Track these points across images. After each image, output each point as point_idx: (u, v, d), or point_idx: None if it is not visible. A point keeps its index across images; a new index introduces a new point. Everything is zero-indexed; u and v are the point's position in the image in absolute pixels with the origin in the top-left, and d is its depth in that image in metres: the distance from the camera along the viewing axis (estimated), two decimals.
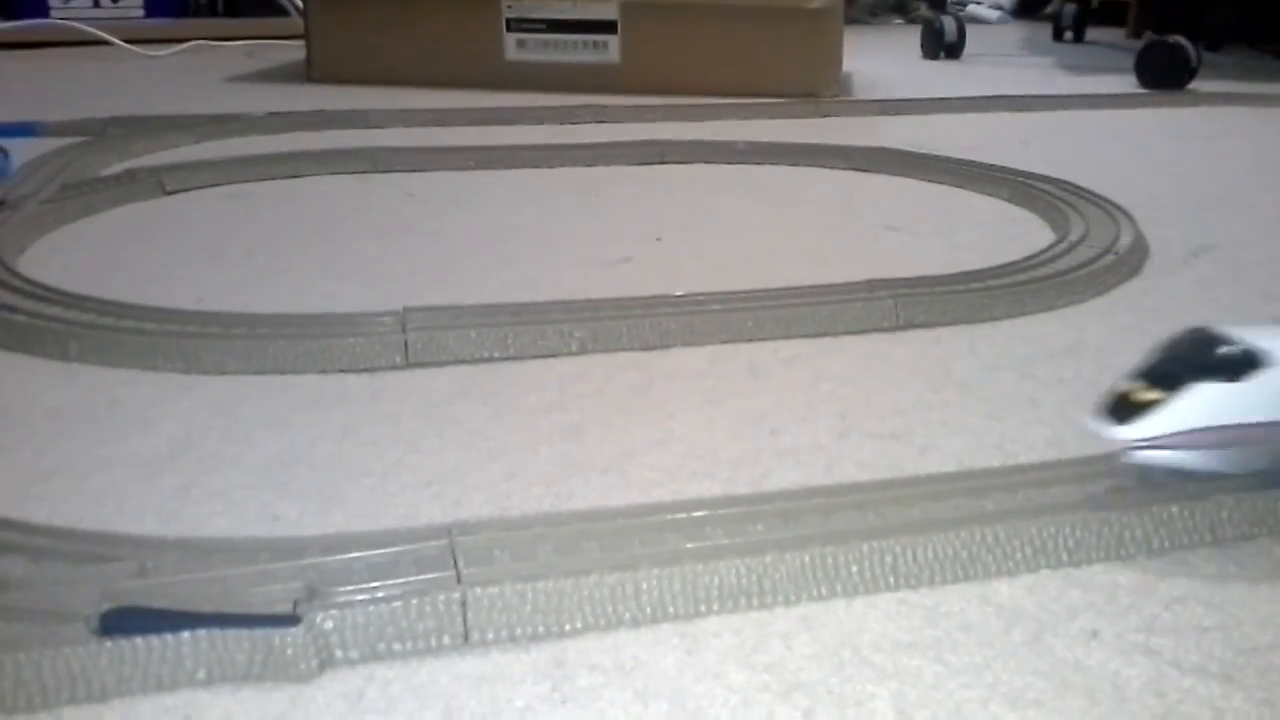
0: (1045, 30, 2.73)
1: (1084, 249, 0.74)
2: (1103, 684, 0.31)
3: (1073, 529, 0.38)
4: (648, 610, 0.33)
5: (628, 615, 0.33)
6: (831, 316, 0.60)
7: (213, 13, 2.14)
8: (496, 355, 0.54)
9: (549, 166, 1.01)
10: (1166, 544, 0.39)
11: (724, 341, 0.57)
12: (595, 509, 0.38)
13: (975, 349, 0.57)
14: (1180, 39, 1.85)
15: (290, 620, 0.30)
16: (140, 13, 2.08)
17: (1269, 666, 0.32)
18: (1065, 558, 0.37)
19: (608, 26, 1.48)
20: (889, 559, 0.36)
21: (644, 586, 0.33)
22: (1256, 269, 0.74)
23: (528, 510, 0.39)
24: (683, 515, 0.37)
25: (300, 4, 1.67)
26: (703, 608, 0.34)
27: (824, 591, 0.35)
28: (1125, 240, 0.75)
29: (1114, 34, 2.62)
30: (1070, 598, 0.35)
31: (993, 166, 0.99)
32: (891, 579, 0.35)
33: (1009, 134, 1.28)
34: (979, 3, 3.08)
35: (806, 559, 0.35)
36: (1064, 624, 0.34)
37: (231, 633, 0.30)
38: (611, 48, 1.48)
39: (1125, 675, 0.31)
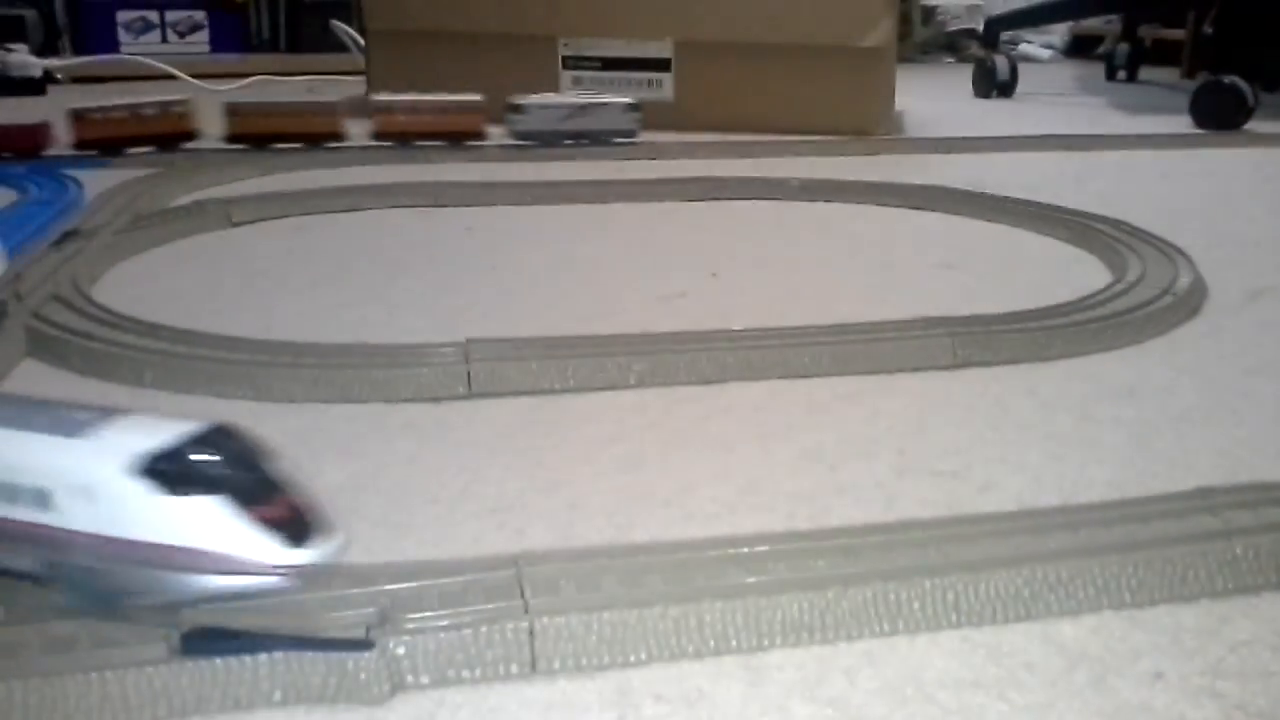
0: (1098, 69, 2.72)
1: (1142, 289, 0.73)
2: None
3: (1136, 569, 0.38)
4: (711, 643, 0.34)
5: (691, 647, 0.34)
6: (888, 353, 0.60)
7: (275, 49, 2.20)
8: (557, 387, 0.55)
9: (605, 202, 1.03)
10: (1231, 585, 0.38)
11: (781, 377, 0.57)
12: (657, 541, 0.39)
13: (1033, 388, 0.57)
14: (1236, 79, 1.83)
15: (364, 645, 0.31)
16: (206, 48, 2.14)
17: None
18: (1128, 598, 0.37)
19: (662, 64, 1.49)
20: (951, 596, 0.36)
21: (707, 619, 0.34)
22: None
23: (590, 541, 0.40)
24: (745, 549, 0.37)
25: (361, 40, 1.71)
26: (765, 641, 0.34)
27: (886, 628, 0.35)
28: (1184, 281, 0.75)
29: (1168, 73, 2.60)
30: (1134, 639, 0.35)
31: (1048, 206, 0.99)
32: (954, 616, 0.35)
33: (1063, 173, 1.28)
34: (1031, 41, 3.08)
35: (869, 594, 0.35)
36: (1128, 665, 0.34)
37: (307, 655, 0.31)
38: (666, 85, 1.50)
39: (1191, 718, 0.31)
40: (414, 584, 0.35)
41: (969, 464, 0.48)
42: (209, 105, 1.28)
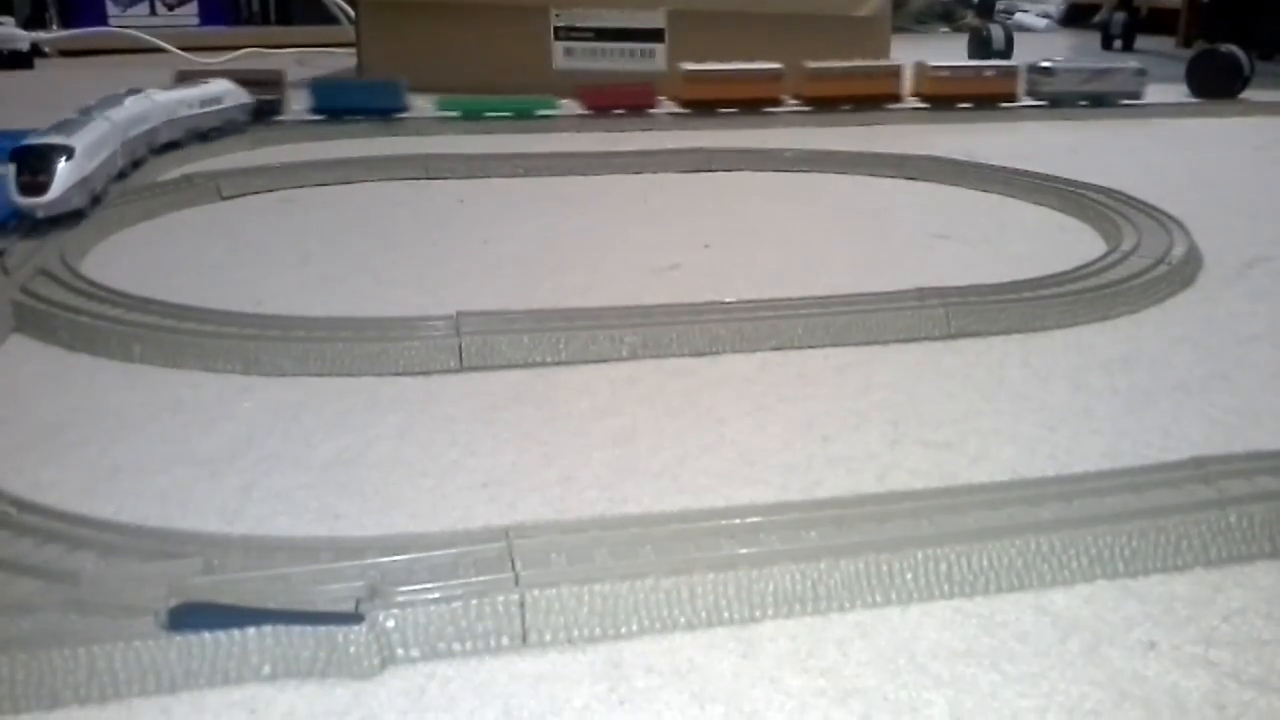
0: (1094, 38, 2.71)
1: (1137, 259, 0.73)
2: (1161, 695, 0.31)
3: (1129, 539, 0.38)
4: (703, 614, 0.34)
5: (683, 619, 0.33)
6: (882, 324, 0.60)
7: (265, 21, 2.18)
8: (549, 360, 0.55)
9: (597, 174, 1.02)
10: (1225, 554, 0.38)
11: (774, 348, 0.57)
12: (649, 513, 0.39)
13: (1028, 358, 0.57)
14: (1233, 47, 1.82)
15: (354, 618, 0.31)
16: (195, 21, 2.12)
17: None
18: (1121, 568, 0.37)
19: (655, 35, 1.48)
20: (944, 567, 0.36)
21: (699, 591, 0.34)
22: None
23: (582, 513, 0.40)
24: (737, 521, 0.37)
25: (351, 12, 1.69)
26: (758, 613, 0.34)
27: (879, 599, 0.35)
28: (1179, 251, 0.75)
29: (1163, 42, 2.59)
30: (1127, 608, 0.35)
31: (1043, 176, 0.99)
32: (946, 587, 0.35)
33: (1059, 143, 1.27)
34: (1027, 10, 3.06)
35: (861, 566, 0.35)
36: (1121, 635, 0.34)
37: (296, 629, 0.31)
38: (659, 56, 1.49)
39: (1184, 687, 0.31)
40: (404, 557, 0.34)
41: (962, 435, 0.47)
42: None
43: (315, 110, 1.19)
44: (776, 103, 1.35)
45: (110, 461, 0.43)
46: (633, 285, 0.68)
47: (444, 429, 0.47)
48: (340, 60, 1.69)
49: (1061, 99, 1.40)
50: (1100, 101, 1.42)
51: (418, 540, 0.36)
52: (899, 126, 1.34)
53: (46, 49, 1.83)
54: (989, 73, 1.40)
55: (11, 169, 0.68)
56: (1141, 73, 1.47)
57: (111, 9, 2.05)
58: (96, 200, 0.77)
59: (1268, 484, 0.41)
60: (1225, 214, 0.89)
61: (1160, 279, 0.69)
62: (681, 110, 1.32)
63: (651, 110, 1.30)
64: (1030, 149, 1.18)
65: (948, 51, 2.22)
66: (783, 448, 0.46)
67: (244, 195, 0.89)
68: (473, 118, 1.22)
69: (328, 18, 1.95)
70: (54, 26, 2.00)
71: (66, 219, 0.72)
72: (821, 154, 1.08)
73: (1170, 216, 0.83)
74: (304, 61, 1.76)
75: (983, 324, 0.61)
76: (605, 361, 0.54)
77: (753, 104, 1.32)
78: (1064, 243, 0.79)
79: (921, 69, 1.39)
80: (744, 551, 0.35)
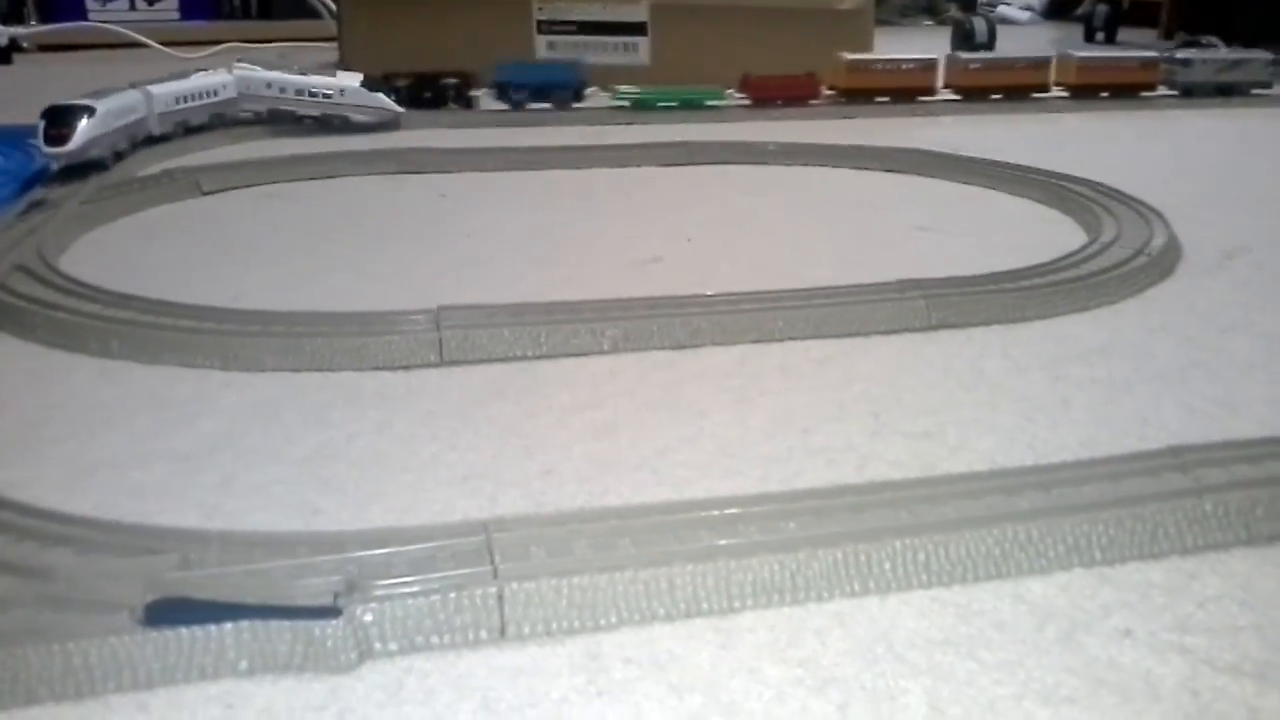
0: (1076, 31, 2.71)
1: (1117, 250, 0.73)
2: (1136, 682, 0.31)
3: (1106, 527, 0.38)
4: (682, 605, 0.34)
5: (662, 610, 0.33)
6: (863, 316, 0.60)
7: (246, 16, 2.17)
8: (530, 354, 0.54)
9: (580, 167, 1.02)
10: (1200, 542, 0.39)
11: (755, 341, 0.57)
12: (629, 506, 0.39)
13: (1007, 349, 0.57)
14: (1213, 39, 1.83)
15: (331, 612, 0.31)
16: (176, 15, 2.10)
17: None
18: (1098, 556, 0.37)
19: (638, 28, 1.48)
20: (922, 556, 0.36)
21: (678, 582, 0.34)
22: None
23: (563, 506, 0.40)
24: (716, 512, 0.37)
25: (333, 6, 1.68)
26: (736, 603, 0.34)
27: (857, 588, 0.35)
28: (1158, 242, 0.75)
29: (1146, 35, 2.59)
30: (1103, 596, 0.35)
31: (1024, 168, 0.99)
32: (924, 576, 0.35)
33: (1041, 135, 1.27)
34: (1009, 3, 3.07)
35: (839, 556, 0.35)
36: (1097, 622, 0.34)
37: (273, 624, 0.31)
38: (641, 49, 1.49)
39: (1159, 674, 0.31)
40: (383, 551, 0.34)
41: (942, 425, 0.48)
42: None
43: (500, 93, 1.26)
44: (930, 92, 1.40)
45: (88, 458, 0.43)
46: (614, 279, 0.68)
47: (424, 423, 0.46)
48: (322, 55, 1.69)
49: (1196, 89, 1.45)
50: (1232, 92, 1.46)
51: (396, 534, 0.36)
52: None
53: (25, 44, 1.82)
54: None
55: (41, 124, 0.83)
56: (1275, 63, 1.50)
57: (91, 4, 2.03)
58: (120, 156, 0.91)
59: (1243, 472, 0.42)
60: (1206, 205, 0.90)
61: (1139, 270, 0.70)
62: (841, 100, 1.36)
63: (814, 101, 1.35)
64: (1016, 141, 1.18)
65: (931, 45, 2.22)
66: (763, 440, 0.46)
67: (225, 190, 0.89)
68: (644, 107, 1.27)
69: (309, 12, 1.94)
70: (32, 21, 1.98)
71: (87, 169, 0.85)
72: (805, 147, 1.08)
73: (1151, 208, 0.83)
74: (285, 56, 1.75)
75: (963, 315, 0.61)
76: (586, 355, 0.54)
77: (908, 93, 1.37)
78: (1045, 234, 0.79)
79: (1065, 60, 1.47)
80: (723, 543, 0.35)
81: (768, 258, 0.73)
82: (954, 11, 2.58)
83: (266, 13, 2.15)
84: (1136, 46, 2.28)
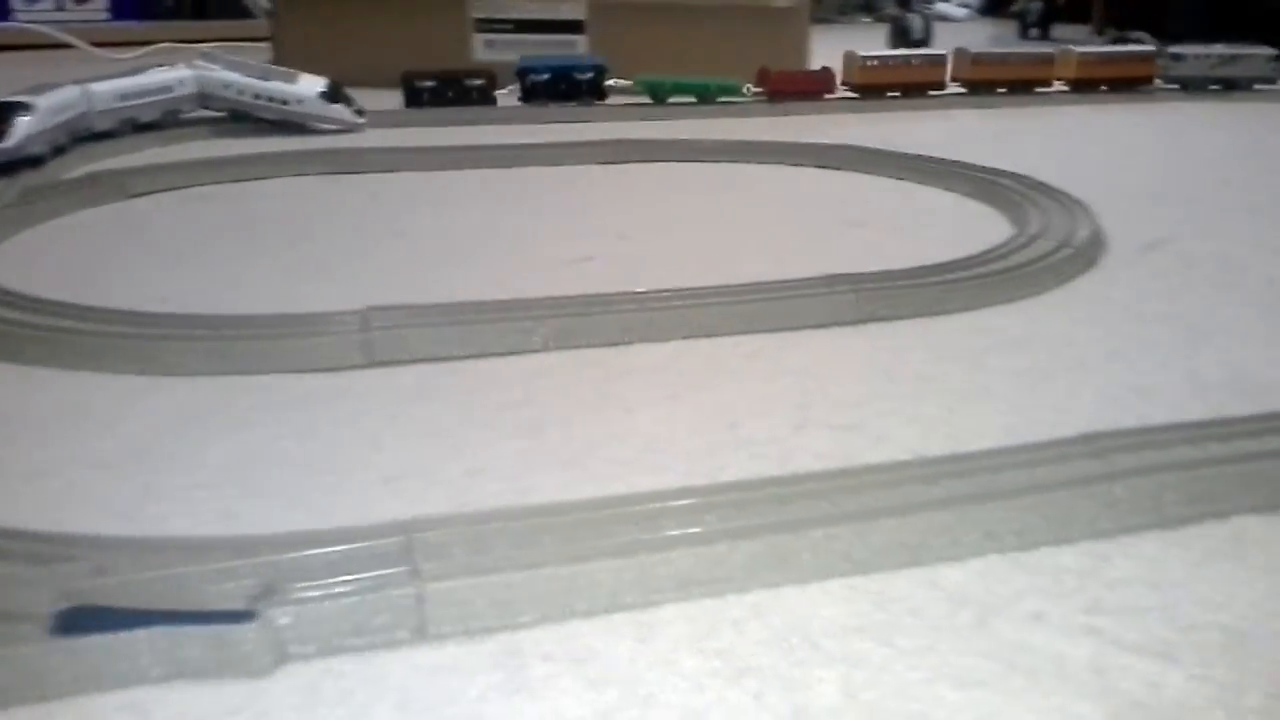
0: (1012, 27, 2.76)
1: (1041, 243, 0.75)
2: (1045, 664, 0.32)
3: (1020, 513, 0.39)
4: (602, 601, 0.34)
5: (582, 606, 0.34)
6: (793, 311, 0.61)
7: (179, 15, 2.13)
8: (459, 353, 0.54)
9: (515, 166, 1.02)
10: (1112, 526, 0.39)
11: (686, 337, 0.57)
12: (552, 503, 0.39)
13: (933, 341, 0.58)
14: (1142, 35, 1.87)
15: (245, 616, 0.31)
16: (106, 16, 2.07)
17: (1206, 644, 0.33)
18: (1013, 542, 0.38)
19: (576, 26, 1.48)
20: (840, 546, 0.36)
21: (598, 578, 0.34)
22: (1209, 261, 0.75)
23: (487, 506, 0.40)
24: (638, 508, 0.37)
25: (267, 6, 1.66)
26: (656, 597, 0.34)
27: (776, 579, 0.35)
28: (1082, 234, 0.76)
29: (1079, 30, 2.64)
30: (1017, 581, 0.36)
31: (955, 162, 1.00)
32: (843, 565, 0.36)
33: (974, 130, 1.29)
34: (947, 0, 3.11)
35: (758, 547, 0.35)
36: (1010, 607, 0.34)
37: (186, 630, 0.30)
38: (579, 47, 1.49)
39: (1068, 655, 0.32)
40: (301, 553, 0.34)
41: (866, 417, 0.48)
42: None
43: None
44: (940, 86, 1.45)
45: (2, 467, 0.42)
46: (547, 277, 0.68)
47: (349, 425, 0.46)
48: (256, 55, 1.66)
49: (1192, 83, 1.49)
50: (1232, 86, 1.50)
51: (315, 536, 0.35)
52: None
53: None
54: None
55: None
56: (1276, 58, 1.55)
57: (17, 2, 1.99)
58: (60, 151, 0.93)
59: (1154, 457, 0.43)
60: (1132, 197, 0.92)
61: (1063, 261, 0.71)
62: (854, 96, 1.41)
63: (829, 95, 1.39)
64: (953, 137, 1.20)
65: (868, 42, 2.24)
66: (690, 434, 0.46)
67: (152, 193, 0.87)
68: (658, 94, 1.31)
69: (243, 12, 1.92)
70: None
71: (26, 164, 0.86)
72: (743, 144, 1.09)
73: (1077, 200, 0.85)
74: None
75: (891, 308, 0.62)
76: (516, 354, 0.54)
77: (919, 88, 1.43)
78: (974, 228, 0.81)
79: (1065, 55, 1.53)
80: (644, 537, 0.35)
81: (700, 254, 0.74)
82: (891, 8, 2.61)
83: (201, 12, 2.12)
84: (1072, 41, 2.32)
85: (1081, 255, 0.73)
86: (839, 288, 0.62)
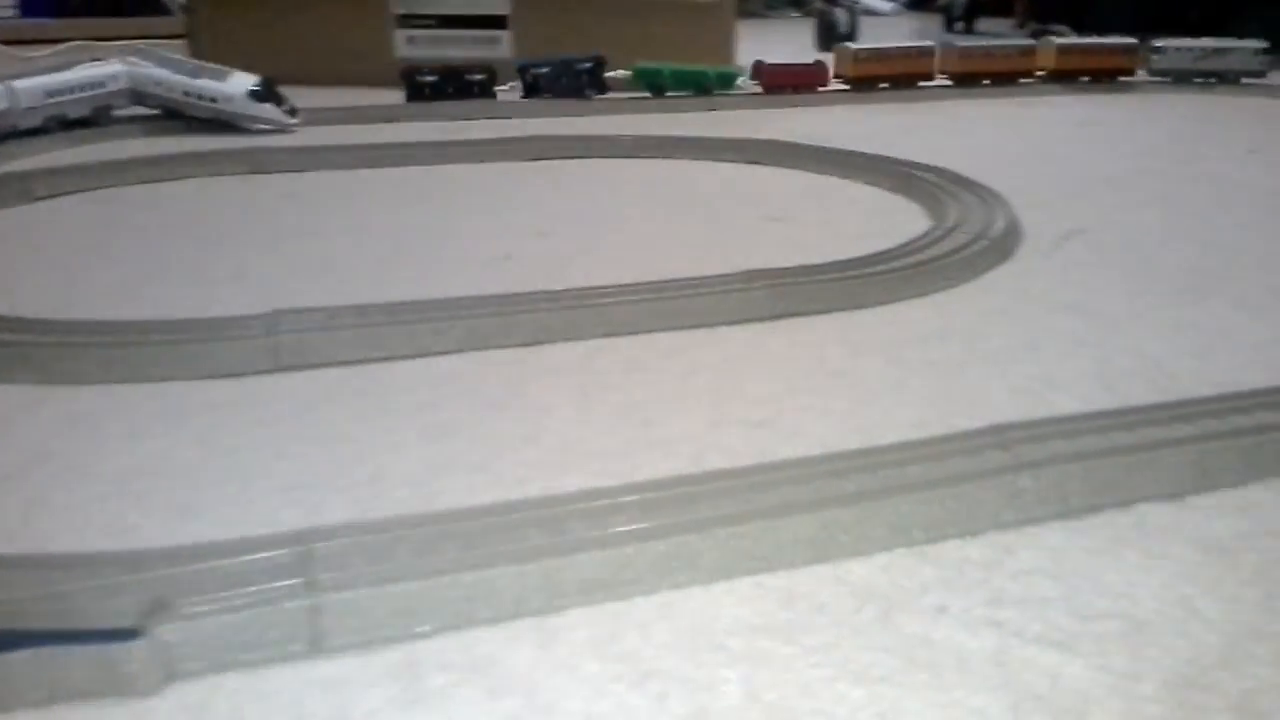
0: (938, 21, 2.79)
1: (958, 235, 0.75)
2: (947, 658, 0.32)
3: (927, 507, 0.39)
4: (505, 608, 0.33)
5: (484, 614, 0.33)
6: (710, 308, 0.60)
7: (92, 12, 2.08)
8: (371, 356, 0.53)
9: (435, 164, 1.00)
10: (1017, 517, 0.40)
11: (603, 335, 0.57)
12: (456, 509, 0.38)
13: (848, 336, 0.58)
14: (1064, 28, 1.90)
15: (130, 634, 0.30)
16: (13, 12, 2.01)
17: (1106, 633, 0.33)
18: (919, 535, 0.38)
19: (499, 21, 1.47)
20: (746, 544, 0.36)
21: (500, 584, 0.33)
22: (1122, 250, 0.76)
23: (391, 512, 0.39)
24: (544, 511, 0.37)
25: (184, 2, 1.62)
26: (561, 602, 0.34)
27: (683, 579, 0.35)
28: (998, 226, 0.77)
29: (1004, 24, 2.68)
30: (922, 574, 0.36)
31: (877, 157, 1.01)
32: (749, 564, 0.36)
33: (897, 124, 1.31)
34: None
35: (664, 548, 0.35)
36: (914, 600, 0.35)
37: (69, 650, 0.29)
38: (504, 42, 1.47)
39: (970, 648, 0.32)
40: (194, 567, 0.33)
41: (779, 412, 0.48)
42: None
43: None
44: (929, 78, 1.50)
45: None
46: (464, 277, 0.67)
47: (251, 432, 0.45)
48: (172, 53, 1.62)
49: (1178, 76, 1.53)
50: (1220, 79, 1.54)
51: (211, 549, 0.34)
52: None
53: None
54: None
55: None
56: (1263, 51, 1.58)
57: None
58: None
59: (1060, 447, 0.43)
60: (1047, 189, 0.93)
61: (979, 254, 0.72)
62: (845, 88, 1.45)
63: (822, 88, 1.43)
64: (872, 130, 1.21)
65: (796, 37, 2.26)
66: (603, 434, 0.46)
67: (58, 196, 0.85)
68: (654, 84, 1.34)
69: (160, 9, 1.87)
70: None
71: None
72: (667, 140, 1.08)
73: (994, 193, 0.86)
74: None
75: (806, 303, 0.62)
76: (429, 356, 0.53)
77: (909, 79, 1.47)
78: (893, 221, 0.81)
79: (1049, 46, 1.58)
80: (549, 541, 0.35)
81: (620, 252, 0.73)
82: (819, 3, 2.63)
83: (116, 9, 2.07)
84: (1001, 35, 2.35)
85: (997, 247, 0.74)
86: (756, 284, 0.62)
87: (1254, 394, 0.49)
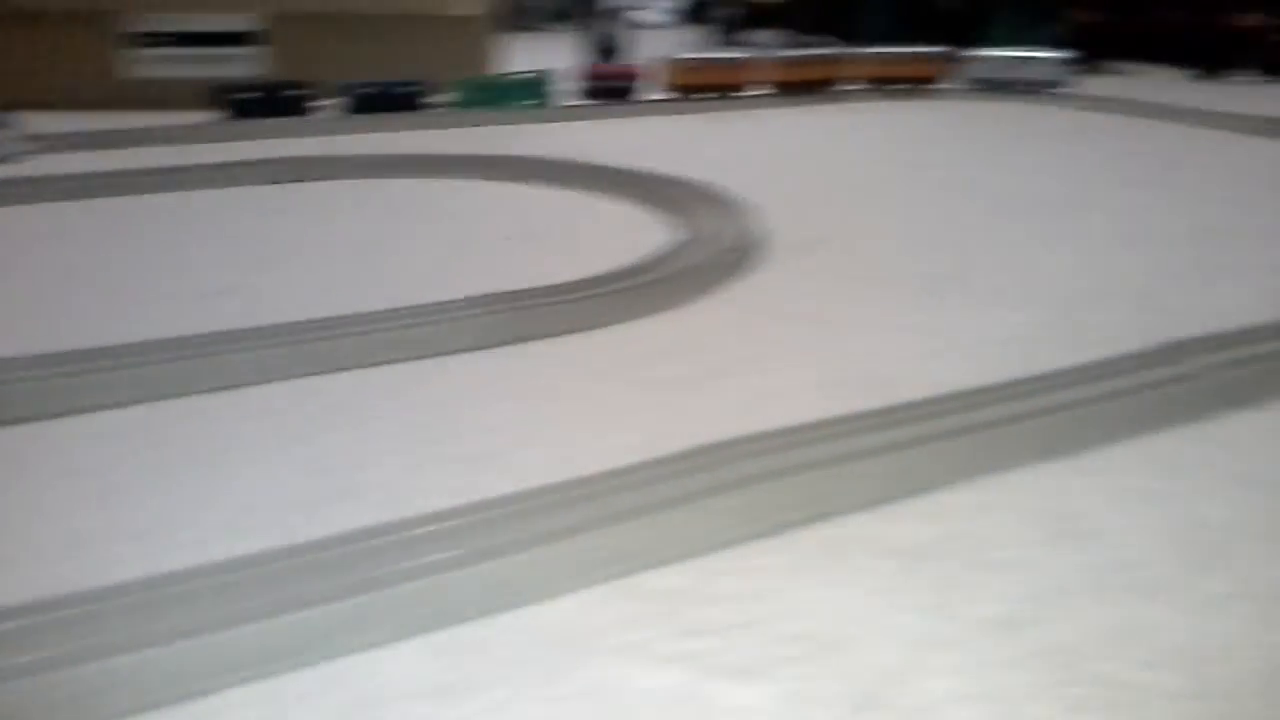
0: (711, 32, 2.85)
1: (704, 247, 0.76)
2: (634, 699, 0.31)
3: (625, 539, 0.38)
4: (158, 693, 0.30)
5: (125, 703, 0.30)
6: (440, 336, 0.58)
7: None
8: (23, 415, 0.48)
9: (165, 191, 0.94)
10: (722, 540, 0.39)
11: (315, 374, 0.54)
12: (90, 590, 0.34)
13: (582, 357, 0.57)
14: (830, 39, 1.96)
15: None
16: None
17: (796, 657, 0.33)
18: (617, 569, 0.37)
19: (249, 38, 1.40)
20: (424, 600, 0.34)
21: (123, 676, 0.30)
22: (860, 257, 0.78)
23: (11, 601, 0.35)
24: (177, 588, 0.33)
25: None
26: (211, 684, 0.31)
27: (352, 645, 0.32)
28: (744, 237, 0.78)
29: (774, 36, 2.77)
30: (619, 610, 0.35)
31: (628, 171, 1.01)
32: (427, 621, 0.34)
33: (658, 138, 1.32)
34: (648, 7, 3.18)
35: (335, 613, 0.32)
36: (605, 639, 0.33)
37: None
38: (254, 59, 1.41)
39: (657, 687, 0.31)
40: None
41: (497, 445, 0.46)
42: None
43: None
44: (750, 86, 1.49)
45: None
46: (175, 314, 0.62)
47: None
48: None
49: (992, 84, 1.58)
50: (1033, 88, 1.58)
51: None
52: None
53: None
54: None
55: None
56: (1065, 61, 1.63)
57: None
58: None
59: (764, 464, 0.43)
60: (798, 199, 0.95)
61: (720, 267, 0.72)
62: (669, 96, 1.44)
63: (635, 90, 1.40)
64: (657, 142, 1.21)
65: (568, 50, 2.25)
66: (295, 489, 0.43)
67: None
68: (473, 102, 1.25)
69: None
70: None
71: None
72: (412, 159, 1.05)
73: (745, 204, 0.87)
74: None
75: (543, 326, 0.60)
76: (110, 408, 0.49)
77: (731, 88, 1.47)
78: (639, 237, 0.81)
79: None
80: (195, 620, 0.32)
81: (350, 279, 0.70)
82: (592, 17, 2.64)
83: None
84: (764, 47, 2.42)
85: (740, 260, 0.74)
86: (492, 308, 0.60)
87: (956, 396, 0.50)
